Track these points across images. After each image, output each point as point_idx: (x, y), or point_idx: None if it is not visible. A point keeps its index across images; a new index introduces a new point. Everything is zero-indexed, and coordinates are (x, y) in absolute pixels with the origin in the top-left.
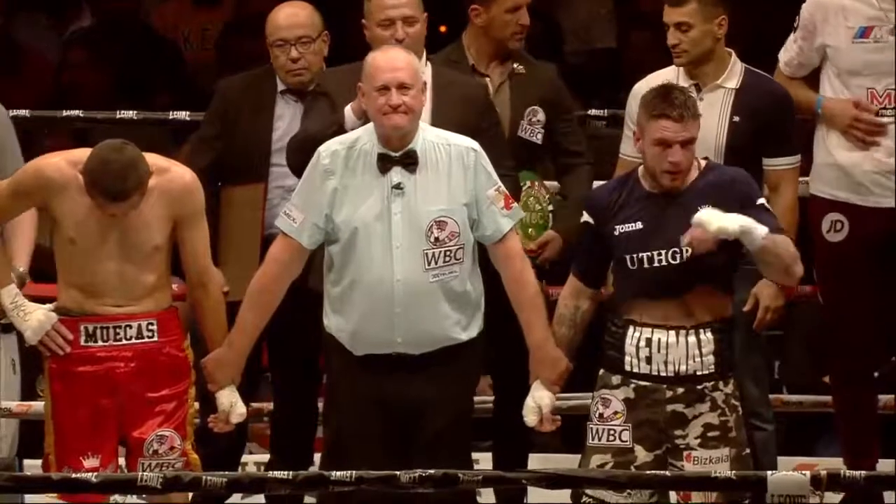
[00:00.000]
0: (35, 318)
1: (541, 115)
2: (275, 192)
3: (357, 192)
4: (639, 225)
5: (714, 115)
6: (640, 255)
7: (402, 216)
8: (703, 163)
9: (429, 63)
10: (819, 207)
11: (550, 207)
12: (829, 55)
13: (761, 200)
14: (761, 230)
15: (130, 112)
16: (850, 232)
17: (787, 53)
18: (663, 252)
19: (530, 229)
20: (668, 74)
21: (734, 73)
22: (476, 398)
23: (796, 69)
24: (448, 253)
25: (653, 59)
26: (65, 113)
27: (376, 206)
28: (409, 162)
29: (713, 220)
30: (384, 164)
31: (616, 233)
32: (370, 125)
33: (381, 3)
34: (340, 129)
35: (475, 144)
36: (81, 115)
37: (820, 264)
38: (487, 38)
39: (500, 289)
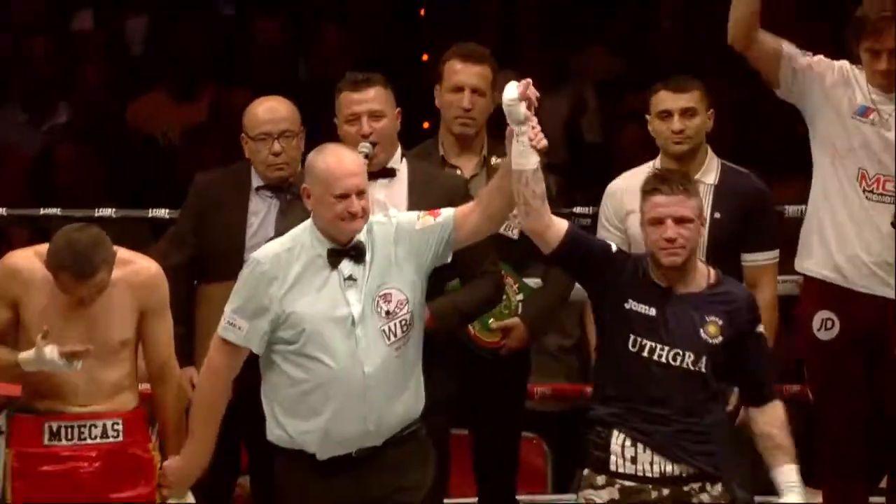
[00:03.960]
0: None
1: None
2: None
3: (308, 292)
4: (652, 312)
5: None
6: (645, 342)
7: (358, 305)
8: (712, 271)
9: (405, 158)
10: (808, 301)
11: (519, 297)
12: (825, 120)
13: (760, 328)
14: None
15: (109, 210)
16: (841, 329)
17: (795, 50)
18: (666, 349)
19: (491, 319)
20: (644, 172)
21: (712, 167)
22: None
23: (786, 59)
24: (403, 322)
25: (641, 154)
26: (42, 211)
27: (332, 301)
28: (358, 254)
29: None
30: (335, 258)
31: (627, 306)
32: (301, 229)
33: (347, 99)
34: None
35: (391, 210)
36: (59, 213)
37: (810, 363)
38: (445, 124)
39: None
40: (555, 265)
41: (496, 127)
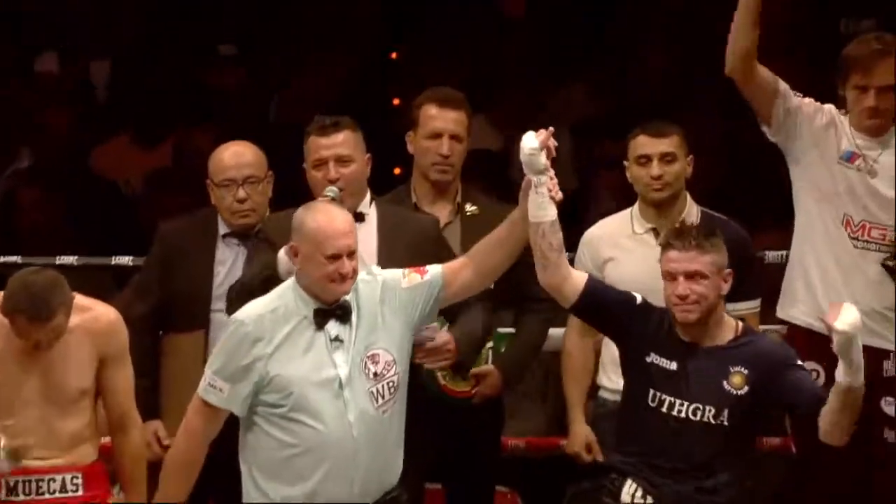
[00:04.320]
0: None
1: None
2: (216, 340)
3: (294, 354)
4: (673, 366)
5: None
6: (665, 397)
7: (346, 367)
8: (740, 324)
9: (374, 204)
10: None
11: (489, 345)
12: (810, 163)
13: (798, 362)
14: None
15: (71, 257)
16: (828, 380)
17: (788, 89)
18: (685, 404)
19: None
20: (621, 219)
21: (691, 214)
22: None
23: (780, 97)
24: (391, 384)
25: (616, 201)
26: (2, 259)
27: (318, 363)
28: (344, 314)
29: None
30: (321, 319)
31: (649, 359)
32: (284, 288)
33: (315, 143)
34: (274, 274)
35: (373, 268)
36: (20, 261)
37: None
38: (420, 170)
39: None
40: (577, 317)
41: (468, 173)
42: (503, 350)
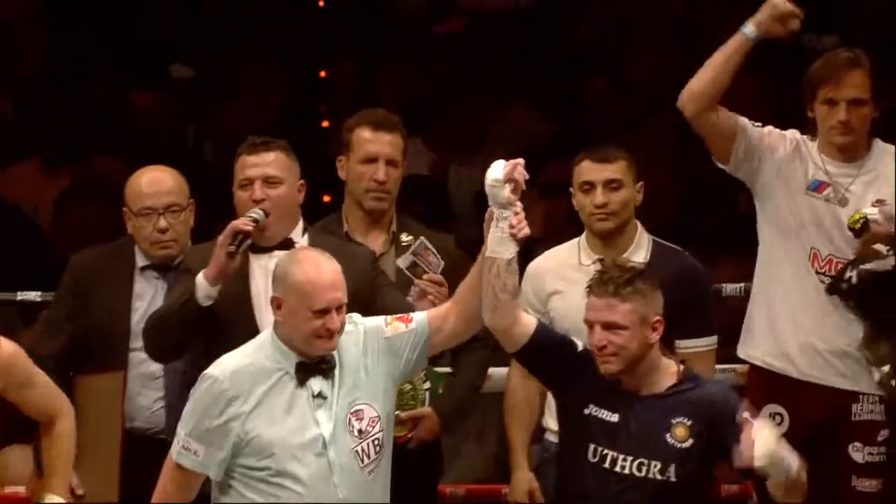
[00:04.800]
0: None
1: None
2: (136, 381)
3: (274, 413)
4: (614, 418)
5: None
6: (606, 451)
7: (329, 424)
8: (681, 368)
9: (307, 234)
10: (754, 394)
11: (427, 386)
12: (775, 196)
13: (744, 416)
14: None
15: None
16: (791, 425)
17: (748, 123)
18: (629, 459)
19: (397, 411)
20: (568, 249)
21: (641, 245)
22: None
23: (741, 135)
24: (376, 442)
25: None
26: None
27: (301, 422)
28: (328, 367)
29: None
30: (304, 375)
31: (587, 411)
32: (260, 341)
33: (243, 162)
34: (192, 301)
35: (354, 316)
36: None
37: None
38: (353, 197)
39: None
40: (518, 362)
41: (402, 201)
42: (440, 391)
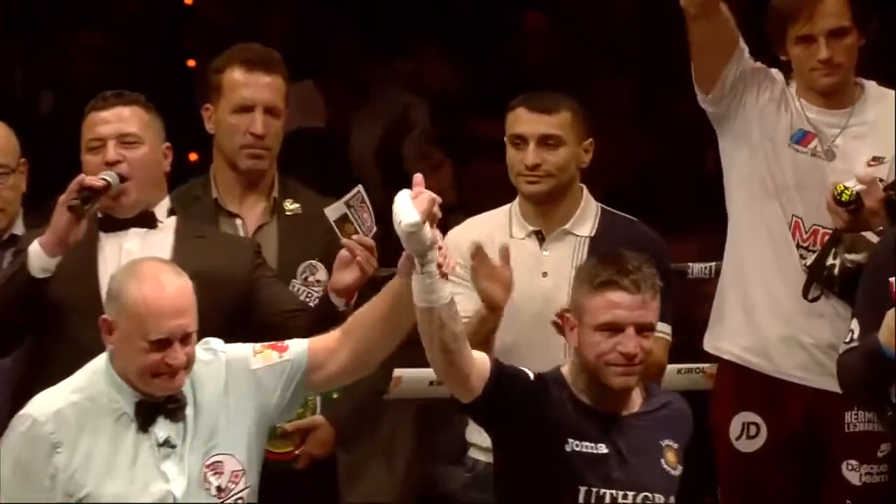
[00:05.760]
0: None
1: (322, 274)
2: None
3: (110, 466)
4: (601, 449)
5: (562, 272)
6: (603, 491)
7: (181, 479)
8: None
9: (175, 217)
10: (724, 398)
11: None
12: (752, 148)
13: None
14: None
15: None
16: (769, 435)
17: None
18: (630, 494)
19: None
20: (497, 217)
21: (587, 214)
22: None
23: (738, 53)
24: (240, 502)
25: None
26: None
27: (144, 477)
28: (176, 407)
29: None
30: (145, 418)
31: (568, 448)
32: (93, 369)
33: (92, 120)
34: (23, 271)
35: (213, 342)
36: None
37: (727, 479)
38: (224, 155)
39: None
40: (475, 418)
41: (286, 160)
42: (335, 395)
